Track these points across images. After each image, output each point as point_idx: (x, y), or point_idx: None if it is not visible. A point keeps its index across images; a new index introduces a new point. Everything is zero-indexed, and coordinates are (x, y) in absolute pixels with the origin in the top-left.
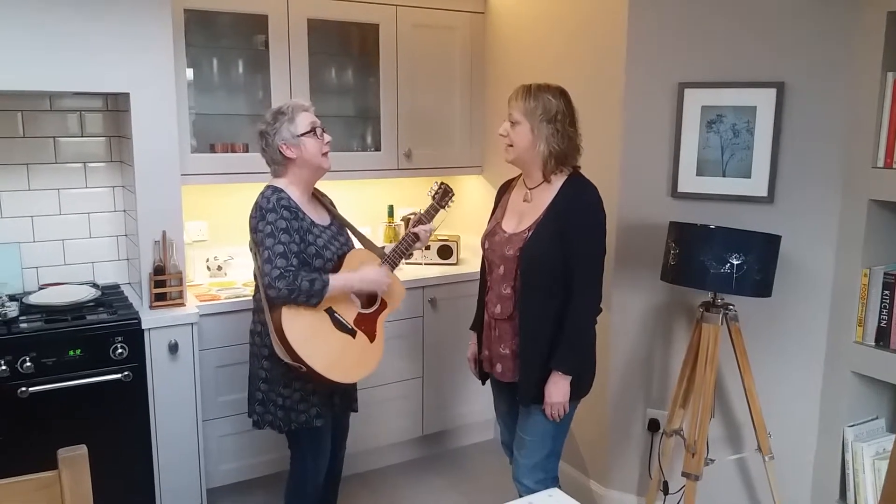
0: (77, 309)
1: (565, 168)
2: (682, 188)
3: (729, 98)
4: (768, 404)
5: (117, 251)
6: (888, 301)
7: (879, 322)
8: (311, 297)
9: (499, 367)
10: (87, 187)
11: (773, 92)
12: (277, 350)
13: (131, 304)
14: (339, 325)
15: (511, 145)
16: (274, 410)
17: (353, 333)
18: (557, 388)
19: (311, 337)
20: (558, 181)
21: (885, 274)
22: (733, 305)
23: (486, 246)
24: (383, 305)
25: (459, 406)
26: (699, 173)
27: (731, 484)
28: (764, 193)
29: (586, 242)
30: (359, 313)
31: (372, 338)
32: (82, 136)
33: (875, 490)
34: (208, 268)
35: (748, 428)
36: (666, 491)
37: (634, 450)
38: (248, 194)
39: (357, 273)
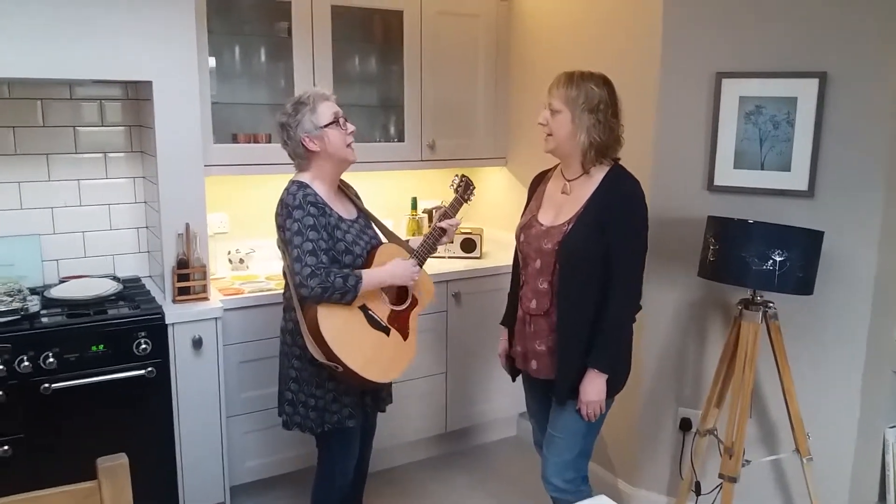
0: (99, 303)
1: (606, 160)
2: (718, 181)
3: (768, 88)
4: (805, 404)
5: (138, 243)
6: None
7: None
8: (346, 294)
9: (534, 364)
10: (107, 178)
11: (814, 82)
12: (312, 350)
13: (153, 298)
14: (374, 323)
15: (550, 135)
16: (304, 412)
17: (387, 331)
18: (594, 387)
19: (347, 336)
20: (599, 173)
21: None
22: (773, 303)
23: (522, 239)
24: (414, 302)
25: (483, 402)
26: (737, 166)
27: (765, 485)
28: (804, 187)
29: (628, 237)
30: (392, 310)
31: (405, 335)
32: (102, 126)
33: None
34: (230, 261)
35: (783, 428)
36: (698, 491)
37: (665, 449)
38: (269, 186)
39: (386, 267)
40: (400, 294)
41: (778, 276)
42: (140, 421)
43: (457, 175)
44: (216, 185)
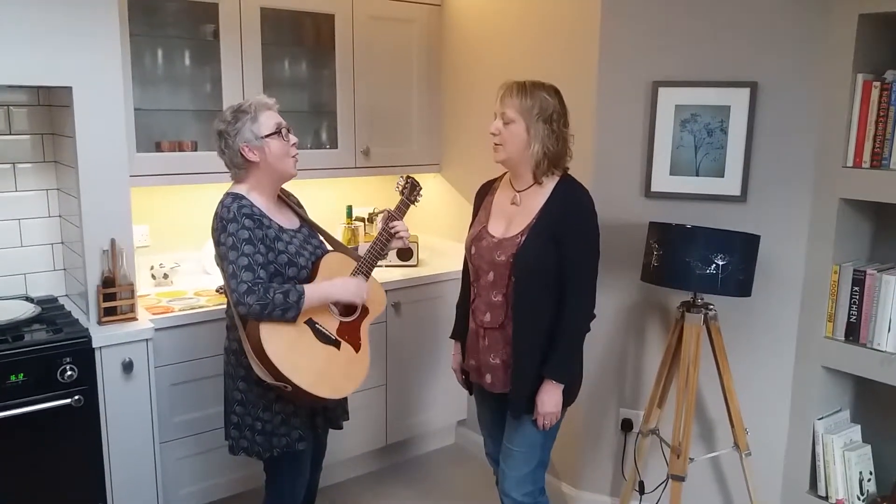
0: (15, 328)
1: (557, 170)
2: (655, 187)
3: (703, 97)
4: (741, 401)
5: (52, 261)
6: (857, 297)
7: (849, 317)
8: (287, 311)
9: (489, 378)
10: (16, 190)
11: (746, 91)
12: (257, 370)
13: (76, 319)
14: (323, 337)
15: (500, 144)
16: (251, 436)
17: (337, 344)
18: (551, 397)
19: (294, 353)
20: (549, 183)
21: (854, 270)
22: (713, 305)
23: (473, 251)
24: (365, 311)
25: (422, 413)
26: (673, 172)
27: (704, 481)
28: (737, 192)
29: (582, 247)
30: (341, 322)
31: (357, 347)
32: (10, 134)
33: (845, 480)
34: (153, 276)
35: (721, 425)
36: (642, 491)
37: (607, 450)
38: (193, 195)
39: (336, 283)
40: (349, 304)
41: (721, 280)
42: (66, 454)
43: (402, 176)
44: (135, 195)
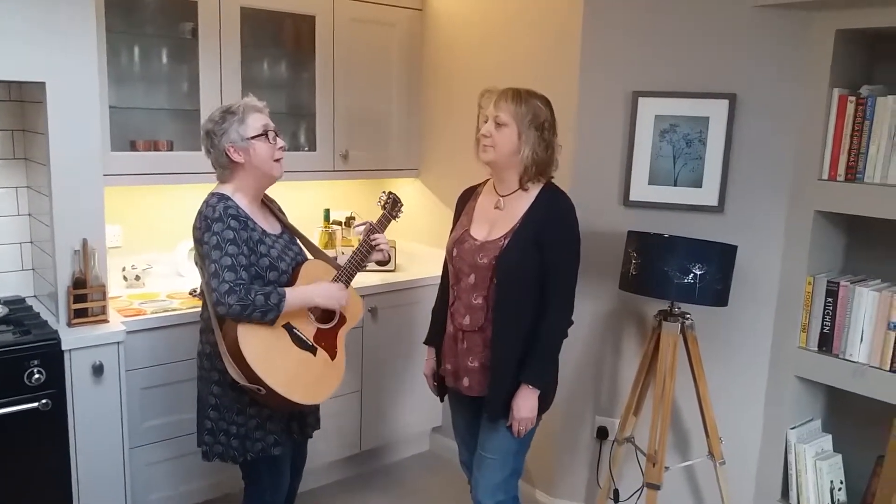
0: None
1: (542, 177)
2: (634, 196)
3: (682, 108)
4: (716, 410)
5: (21, 260)
6: (831, 308)
7: (822, 328)
8: (267, 313)
9: (466, 381)
10: None
11: (725, 103)
12: (232, 372)
13: (45, 321)
14: (300, 343)
15: (491, 146)
16: (226, 440)
17: (313, 351)
18: (526, 403)
19: (270, 356)
20: (534, 190)
21: (828, 282)
22: (690, 314)
23: (455, 254)
24: (342, 320)
25: (397, 419)
26: (651, 182)
27: (679, 489)
28: (714, 203)
29: (564, 254)
30: (318, 329)
31: (333, 355)
32: None
33: (816, 489)
34: (125, 277)
35: (695, 434)
36: (616, 499)
37: (582, 458)
38: (167, 196)
39: (316, 287)
40: (327, 311)
41: (698, 289)
42: (33, 459)
43: (384, 192)
44: (108, 195)
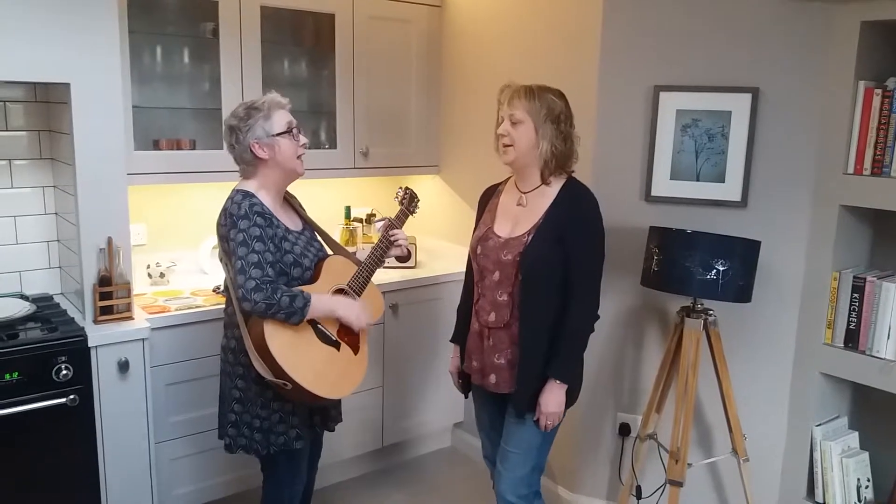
0: (10, 325)
1: (563, 171)
2: (655, 192)
3: (704, 102)
4: (738, 406)
5: (48, 258)
6: (857, 304)
7: (848, 324)
8: (292, 316)
9: (493, 378)
10: (12, 187)
11: (748, 97)
12: (258, 367)
13: (72, 318)
14: (324, 338)
15: (510, 145)
16: (249, 433)
17: (337, 346)
18: (554, 397)
19: (296, 351)
20: (556, 185)
21: (854, 277)
22: (713, 310)
23: (479, 251)
24: None
25: (419, 415)
26: (673, 177)
27: (703, 487)
28: (737, 198)
29: (588, 248)
30: (341, 324)
31: (356, 350)
32: (7, 130)
33: (843, 486)
34: (149, 275)
35: (719, 430)
36: (639, 496)
37: (604, 454)
38: (189, 194)
39: (342, 301)
40: None
41: (721, 285)
42: (61, 454)
43: (401, 187)
44: (132, 194)
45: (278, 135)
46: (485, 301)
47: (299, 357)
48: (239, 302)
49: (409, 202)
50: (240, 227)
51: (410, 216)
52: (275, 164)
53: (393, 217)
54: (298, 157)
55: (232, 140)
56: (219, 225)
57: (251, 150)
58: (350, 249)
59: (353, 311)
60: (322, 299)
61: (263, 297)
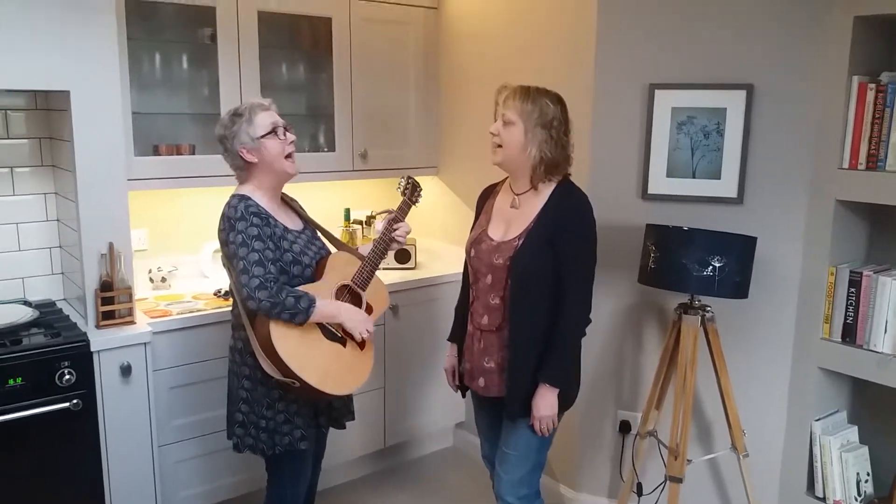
0: (13, 331)
1: (553, 177)
2: (652, 189)
3: (699, 99)
4: (737, 402)
5: (50, 265)
6: (854, 298)
7: (846, 319)
8: (296, 316)
9: (481, 382)
10: (14, 194)
11: (742, 94)
12: (265, 366)
13: (74, 323)
14: (329, 335)
15: (500, 146)
16: (256, 433)
17: (343, 342)
18: (546, 401)
19: (302, 349)
20: (548, 188)
21: (850, 272)
22: (710, 307)
23: (473, 254)
24: (369, 310)
25: (420, 415)
26: (669, 175)
27: (702, 482)
28: (733, 194)
29: (578, 252)
30: None
31: (362, 346)
32: (8, 138)
33: (843, 481)
34: (151, 280)
35: (718, 426)
36: (640, 492)
37: (605, 452)
38: (190, 199)
39: (347, 308)
40: (354, 303)
41: (717, 282)
42: (65, 458)
43: (403, 177)
44: (133, 199)
45: (262, 136)
46: (479, 304)
47: (306, 355)
48: (244, 301)
49: (412, 192)
50: (238, 228)
51: (413, 206)
52: (265, 167)
53: (396, 209)
54: (288, 155)
55: (222, 149)
56: (219, 231)
57: (240, 156)
58: (364, 246)
59: (357, 318)
60: (327, 303)
61: (268, 296)
